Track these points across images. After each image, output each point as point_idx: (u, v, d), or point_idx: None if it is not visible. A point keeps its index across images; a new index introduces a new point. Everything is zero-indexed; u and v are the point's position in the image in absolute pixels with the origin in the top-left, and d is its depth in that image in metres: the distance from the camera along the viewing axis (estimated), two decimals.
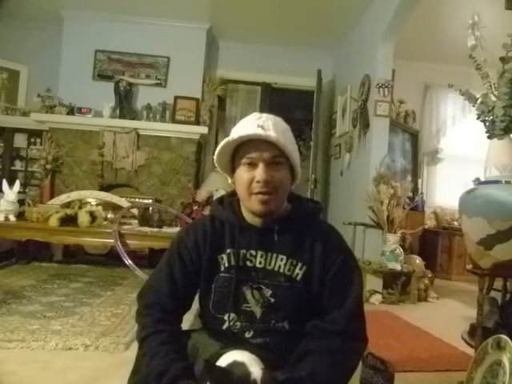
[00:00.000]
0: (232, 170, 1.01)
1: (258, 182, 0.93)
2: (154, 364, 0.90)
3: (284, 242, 0.99)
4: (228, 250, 1.00)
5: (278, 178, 0.95)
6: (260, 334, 0.97)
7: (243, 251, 0.99)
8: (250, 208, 0.98)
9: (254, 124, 0.94)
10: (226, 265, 1.00)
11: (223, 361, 0.82)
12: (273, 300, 0.97)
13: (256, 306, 0.98)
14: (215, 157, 0.99)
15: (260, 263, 0.99)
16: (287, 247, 0.99)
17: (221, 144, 0.96)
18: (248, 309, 0.98)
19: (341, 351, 0.91)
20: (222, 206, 1.05)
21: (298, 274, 0.98)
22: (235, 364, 0.80)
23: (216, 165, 1.02)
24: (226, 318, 0.98)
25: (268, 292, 0.97)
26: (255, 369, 0.79)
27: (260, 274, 0.99)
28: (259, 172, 0.93)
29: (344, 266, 0.98)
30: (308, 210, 1.05)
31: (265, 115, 0.98)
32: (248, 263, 0.99)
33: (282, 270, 0.98)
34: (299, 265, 0.98)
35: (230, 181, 1.05)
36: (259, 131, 0.92)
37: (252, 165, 0.95)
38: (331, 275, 0.97)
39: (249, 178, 0.95)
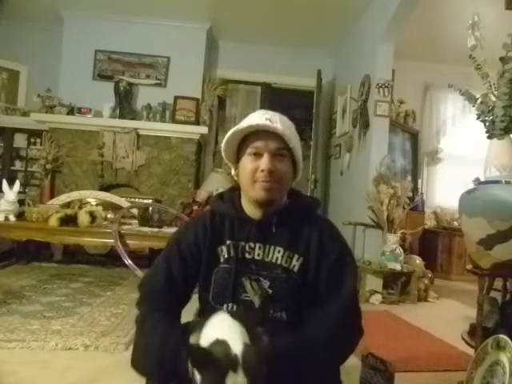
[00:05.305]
0: (236, 161, 1.05)
1: (262, 171, 0.97)
2: (155, 335, 0.91)
3: (281, 234, 1.02)
4: (227, 242, 1.03)
5: (281, 169, 0.99)
6: (259, 324, 0.98)
7: (242, 243, 1.02)
8: (253, 196, 1.00)
9: (262, 117, 0.99)
10: (226, 256, 1.02)
11: (205, 338, 0.82)
12: (270, 291, 0.99)
13: (255, 296, 1.00)
14: (222, 145, 1.04)
15: (258, 255, 1.02)
16: (284, 239, 1.01)
17: (229, 132, 1.01)
18: (247, 298, 1.00)
19: (335, 334, 0.92)
20: (223, 200, 1.09)
21: (294, 265, 1.00)
22: (217, 343, 0.78)
23: (223, 154, 1.06)
24: (225, 308, 1.00)
25: (266, 283, 1.00)
26: (237, 346, 0.78)
27: (258, 265, 1.01)
28: (264, 161, 0.97)
29: (339, 258, 1.01)
30: (306, 203, 1.09)
31: (271, 111, 1.03)
32: (247, 255, 1.02)
33: (279, 262, 1.00)
34: (296, 256, 1.01)
35: (233, 172, 1.09)
36: (267, 123, 0.97)
37: (257, 155, 0.99)
38: (326, 267, 0.99)
39: (253, 168, 0.98)
